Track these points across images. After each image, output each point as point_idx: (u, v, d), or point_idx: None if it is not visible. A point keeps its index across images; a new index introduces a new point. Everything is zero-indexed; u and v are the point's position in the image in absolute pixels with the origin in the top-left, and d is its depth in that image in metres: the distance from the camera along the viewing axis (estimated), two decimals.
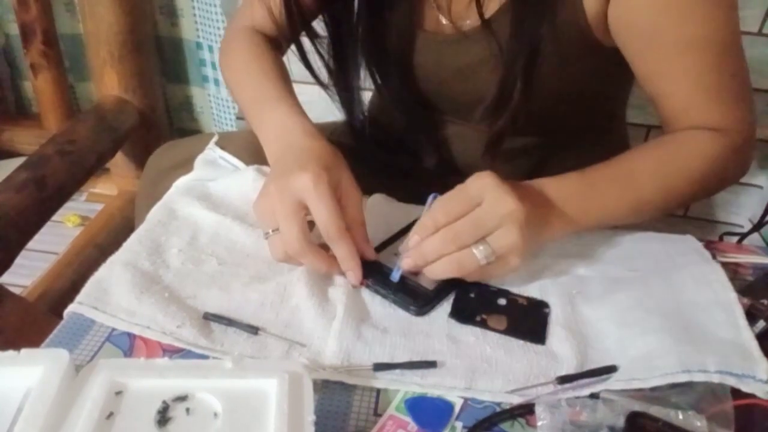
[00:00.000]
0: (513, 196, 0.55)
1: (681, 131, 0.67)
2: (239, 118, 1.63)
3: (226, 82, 0.83)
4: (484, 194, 0.56)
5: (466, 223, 0.55)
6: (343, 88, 0.81)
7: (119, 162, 1.62)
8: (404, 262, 0.58)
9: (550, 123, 0.78)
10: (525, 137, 0.79)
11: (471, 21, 0.72)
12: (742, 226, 1.49)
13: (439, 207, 0.57)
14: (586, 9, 0.65)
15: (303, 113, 0.68)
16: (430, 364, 0.52)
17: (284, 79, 0.75)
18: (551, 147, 0.82)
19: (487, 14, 0.68)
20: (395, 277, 0.59)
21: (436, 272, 0.57)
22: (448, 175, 0.85)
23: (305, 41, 0.77)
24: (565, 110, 0.77)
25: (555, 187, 0.61)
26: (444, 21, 0.74)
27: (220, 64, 0.85)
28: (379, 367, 0.51)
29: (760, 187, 1.46)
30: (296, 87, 1.52)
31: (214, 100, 1.62)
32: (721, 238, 1.35)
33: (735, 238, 1.30)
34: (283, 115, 0.67)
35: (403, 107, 0.81)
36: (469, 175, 0.58)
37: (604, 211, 0.63)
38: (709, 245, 0.66)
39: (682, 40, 0.63)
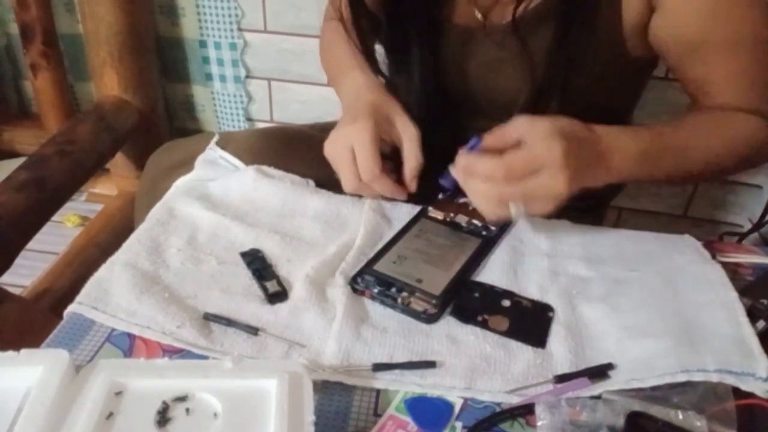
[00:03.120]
0: (566, 178, 0.55)
1: (732, 111, 0.68)
2: (249, 119, 1.63)
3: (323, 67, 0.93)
4: (544, 170, 0.55)
5: (515, 193, 0.56)
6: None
7: (119, 162, 1.61)
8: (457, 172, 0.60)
9: None
10: None
11: (506, 18, 0.72)
12: (741, 226, 1.49)
13: (502, 166, 0.56)
14: (624, 21, 0.66)
15: (369, 74, 0.76)
16: (430, 364, 0.52)
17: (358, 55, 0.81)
18: None
19: (524, 13, 0.68)
20: (446, 182, 0.62)
21: (474, 199, 0.59)
22: None
23: None
24: (587, 115, 0.77)
25: (622, 145, 0.61)
26: (479, 16, 0.74)
27: (319, 53, 0.95)
28: (379, 367, 0.51)
29: (760, 187, 1.46)
30: (296, 87, 1.52)
31: (219, 97, 1.62)
32: (721, 238, 1.35)
33: (735, 238, 1.30)
34: (354, 78, 0.76)
35: (426, 103, 0.80)
36: None
37: (650, 176, 0.65)
38: (709, 245, 0.66)
39: (728, 42, 0.64)
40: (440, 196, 0.73)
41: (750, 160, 0.70)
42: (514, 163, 0.56)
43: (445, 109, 0.80)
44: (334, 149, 0.68)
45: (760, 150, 0.69)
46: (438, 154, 0.85)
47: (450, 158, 0.81)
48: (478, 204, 0.59)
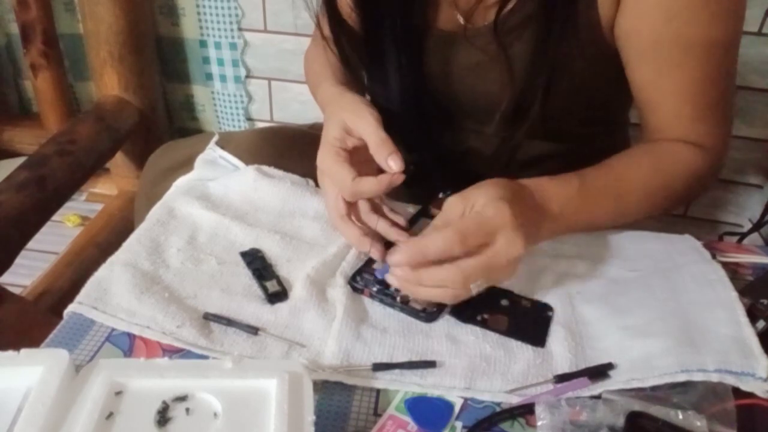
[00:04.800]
0: (522, 237, 0.53)
1: (669, 143, 0.68)
2: (249, 119, 1.63)
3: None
4: (499, 233, 0.53)
5: (478, 268, 0.53)
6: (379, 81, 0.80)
7: (119, 162, 1.62)
8: (393, 279, 0.55)
9: (563, 131, 0.78)
10: (534, 145, 0.79)
11: (488, 21, 0.71)
12: (741, 226, 1.49)
13: (456, 236, 0.52)
14: (601, 18, 0.66)
15: (330, 84, 0.74)
16: (429, 364, 0.52)
17: (332, 67, 0.80)
18: (560, 155, 0.81)
19: (505, 15, 0.68)
20: (380, 274, 0.58)
21: (425, 295, 0.55)
22: (456, 181, 0.84)
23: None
24: (578, 117, 0.77)
25: (555, 192, 0.61)
26: (461, 20, 0.74)
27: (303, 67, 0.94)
28: (378, 367, 0.51)
29: (760, 187, 1.46)
30: (296, 87, 1.53)
31: (219, 97, 1.62)
32: (721, 238, 1.36)
33: (735, 238, 1.30)
34: (321, 93, 0.74)
35: (407, 108, 0.80)
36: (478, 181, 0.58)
37: (591, 221, 0.65)
38: (709, 245, 0.66)
39: (678, 54, 0.64)
40: (440, 195, 0.73)
41: (688, 196, 0.70)
42: (466, 229, 0.52)
43: (428, 113, 0.80)
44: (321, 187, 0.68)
45: (696, 184, 0.69)
46: (424, 158, 0.85)
47: (436, 162, 0.80)
48: (434, 295, 0.54)
